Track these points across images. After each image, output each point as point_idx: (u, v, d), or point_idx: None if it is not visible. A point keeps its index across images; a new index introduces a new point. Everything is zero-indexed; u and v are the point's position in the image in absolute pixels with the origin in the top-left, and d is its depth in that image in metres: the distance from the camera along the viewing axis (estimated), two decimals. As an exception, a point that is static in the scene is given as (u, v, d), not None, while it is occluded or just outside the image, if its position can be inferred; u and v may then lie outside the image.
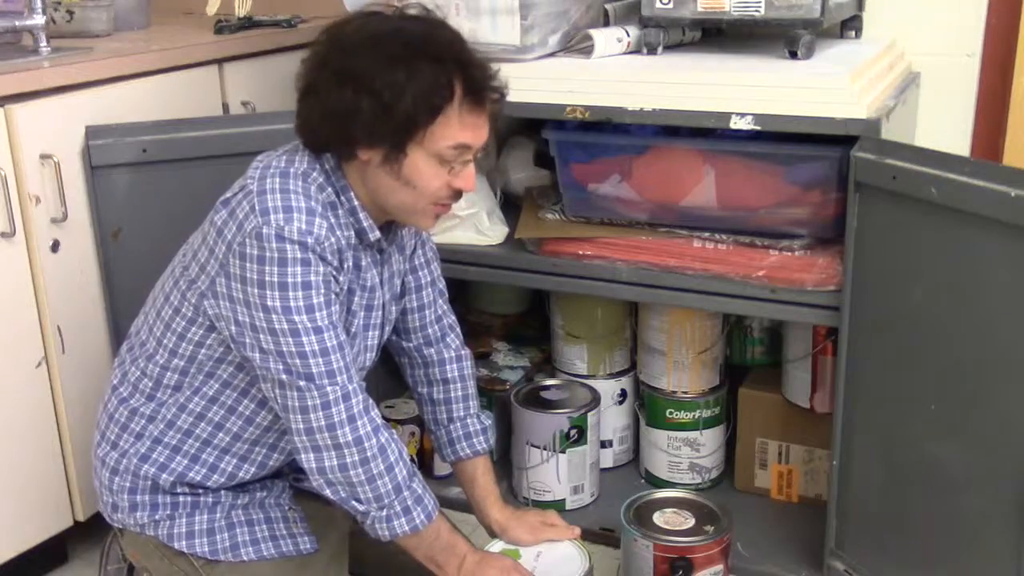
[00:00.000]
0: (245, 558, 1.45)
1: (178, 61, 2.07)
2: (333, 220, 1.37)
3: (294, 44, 2.33)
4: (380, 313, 1.51)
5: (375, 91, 1.30)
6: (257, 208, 1.32)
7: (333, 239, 1.35)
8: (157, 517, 1.45)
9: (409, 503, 1.39)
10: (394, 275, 1.54)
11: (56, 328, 1.87)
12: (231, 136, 1.92)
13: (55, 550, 2.01)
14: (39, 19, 2.01)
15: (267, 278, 1.31)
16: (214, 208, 1.39)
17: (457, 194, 1.41)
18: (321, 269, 1.33)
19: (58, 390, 1.90)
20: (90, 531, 1.98)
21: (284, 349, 1.33)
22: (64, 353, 1.89)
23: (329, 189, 1.39)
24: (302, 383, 1.33)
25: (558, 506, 2.02)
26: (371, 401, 1.39)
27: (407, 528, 1.39)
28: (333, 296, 1.36)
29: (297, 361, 1.33)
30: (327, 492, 1.38)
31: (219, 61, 2.16)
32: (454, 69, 1.32)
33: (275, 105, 2.18)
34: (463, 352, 1.69)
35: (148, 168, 1.89)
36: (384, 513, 1.38)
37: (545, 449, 2.00)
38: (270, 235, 1.30)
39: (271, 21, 2.42)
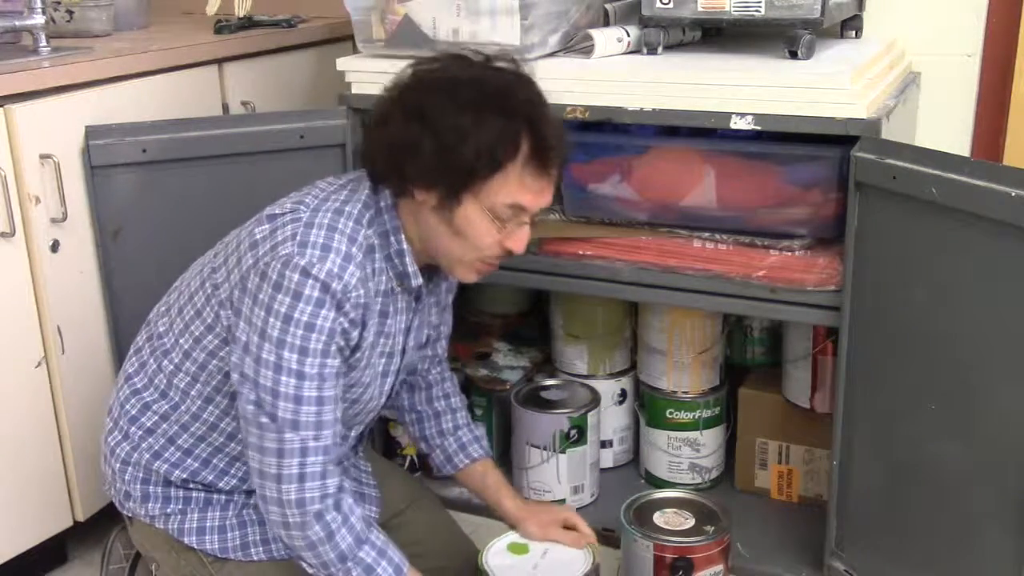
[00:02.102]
0: (255, 557, 1.45)
1: (178, 61, 2.07)
2: (370, 268, 1.35)
3: (294, 44, 2.33)
4: (399, 359, 1.49)
5: (438, 132, 1.28)
6: (299, 238, 1.30)
7: (362, 291, 1.32)
8: (169, 511, 1.45)
9: (355, 573, 1.34)
10: (424, 324, 1.52)
11: (56, 328, 1.87)
12: (231, 136, 1.92)
13: (55, 550, 2.01)
14: (39, 19, 2.01)
15: (276, 306, 1.29)
16: (257, 218, 1.38)
17: (507, 253, 1.38)
18: (332, 316, 1.30)
19: (58, 390, 1.90)
20: (90, 531, 1.99)
21: (260, 380, 1.30)
22: (64, 353, 1.89)
23: (376, 228, 1.36)
24: (264, 420, 1.31)
25: (558, 506, 2.02)
26: (332, 467, 1.34)
27: None
28: (334, 348, 1.32)
29: (268, 397, 1.30)
30: (280, 545, 1.38)
31: (219, 61, 2.16)
32: (524, 127, 1.30)
33: (275, 105, 2.18)
34: (452, 373, 1.73)
35: (148, 168, 1.89)
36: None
37: (545, 449, 2.00)
38: (297, 266, 1.28)
39: (271, 21, 2.42)
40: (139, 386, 1.47)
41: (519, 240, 1.37)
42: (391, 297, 1.41)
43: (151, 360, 1.47)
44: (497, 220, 1.33)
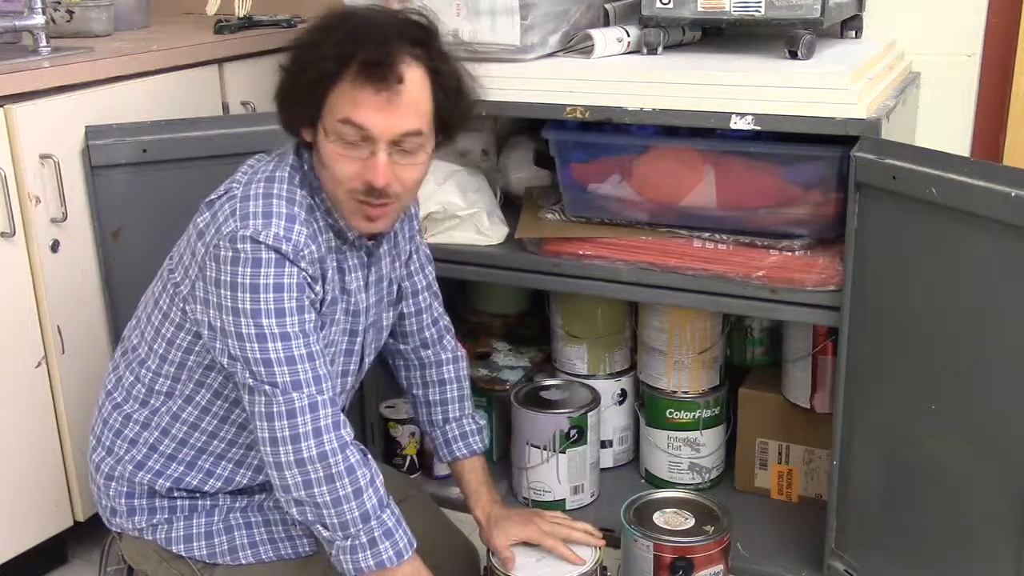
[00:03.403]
0: (243, 561, 1.45)
1: (178, 61, 2.07)
2: (314, 226, 1.36)
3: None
4: (364, 318, 1.48)
5: (290, 68, 1.34)
6: (238, 213, 1.31)
7: (313, 247, 1.33)
8: (155, 521, 1.45)
9: (376, 535, 1.33)
10: (383, 279, 1.51)
11: (56, 328, 1.87)
12: (231, 136, 1.92)
13: (55, 550, 2.01)
14: (39, 19, 2.00)
15: (239, 280, 1.29)
16: (198, 210, 1.39)
17: (371, 189, 1.33)
18: (295, 271, 1.30)
19: (58, 390, 1.90)
20: (90, 531, 1.98)
21: (249, 355, 1.30)
22: (64, 353, 1.89)
23: (307, 189, 1.38)
24: (267, 388, 1.30)
25: (558, 506, 2.02)
26: (343, 418, 1.34)
27: (372, 563, 1.32)
28: (307, 303, 1.33)
29: (262, 369, 1.30)
30: (294, 512, 1.34)
31: (219, 61, 2.16)
32: (359, 43, 1.28)
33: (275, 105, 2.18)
34: (459, 353, 1.69)
35: (148, 168, 1.89)
36: (349, 543, 1.32)
37: (545, 449, 2.00)
38: (245, 237, 1.29)
39: (271, 21, 2.42)
40: (119, 400, 1.47)
41: (372, 169, 1.31)
42: (343, 254, 1.42)
43: (127, 373, 1.47)
44: (340, 141, 1.31)
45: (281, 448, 1.30)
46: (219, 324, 1.32)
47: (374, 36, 1.30)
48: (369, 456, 1.37)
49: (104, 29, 2.27)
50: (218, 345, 1.33)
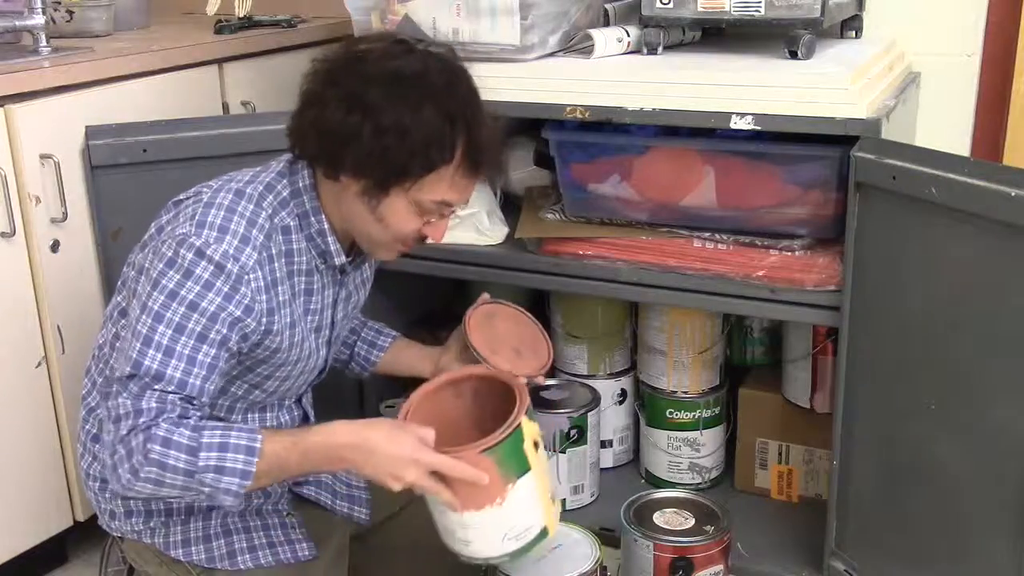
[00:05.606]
0: (242, 566, 1.43)
1: (178, 61, 2.07)
2: (275, 249, 1.33)
3: (294, 44, 2.33)
4: (328, 332, 1.48)
5: (378, 127, 1.26)
6: (196, 217, 1.29)
7: (260, 273, 1.30)
8: (152, 524, 1.44)
9: (208, 480, 1.24)
10: (351, 295, 1.52)
11: (56, 328, 1.87)
12: (231, 136, 1.92)
13: (55, 550, 2.01)
14: (39, 19, 2.01)
15: (164, 281, 1.26)
16: (165, 207, 1.38)
17: (423, 239, 1.39)
18: (218, 301, 1.26)
19: (58, 390, 1.90)
20: (90, 531, 1.98)
21: (130, 352, 1.25)
22: (64, 353, 1.89)
23: (291, 208, 1.35)
24: (126, 374, 1.24)
25: (558, 506, 2.02)
26: (183, 421, 1.25)
27: (231, 500, 1.26)
28: (215, 335, 1.27)
29: (137, 344, 1.24)
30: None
31: (219, 61, 2.16)
32: (461, 131, 1.29)
33: (275, 105, 2.18)
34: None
35: (148, 168, 1.89)
36: (202, 498, 1.28)
37: (545, 449, 2.00)
38: (192, 245, 1.26)
39: (271, 21, 2.42)
40: (92, 404, 1.46)
41: (439, 230, 1.38)
42: (313, 275, 1.40)
43: (97, 376, 1.46)
44: (423, 212, 1.34)
45: (110, 425, 1.26)
46: (132, 312, 1.30)
47: (469, 114, 1.30)
48: (155, 430, 1.24)
49: (104, 29, 2.27)
50: (121, 329, 1.31)
